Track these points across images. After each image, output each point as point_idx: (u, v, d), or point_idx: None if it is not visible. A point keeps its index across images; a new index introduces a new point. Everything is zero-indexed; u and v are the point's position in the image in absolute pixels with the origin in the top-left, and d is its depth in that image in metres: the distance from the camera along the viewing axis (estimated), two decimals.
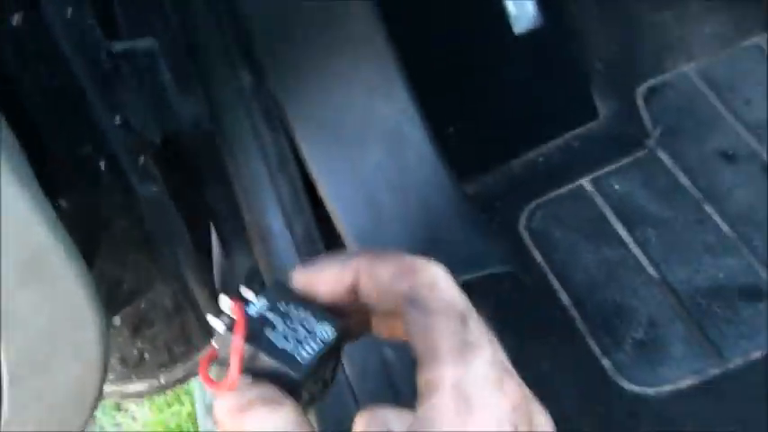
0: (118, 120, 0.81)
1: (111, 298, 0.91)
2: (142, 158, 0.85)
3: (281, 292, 0.37)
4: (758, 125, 1.24)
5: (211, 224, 1.07)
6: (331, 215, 0.86)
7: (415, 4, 1.24)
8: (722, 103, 1.28)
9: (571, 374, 1.04)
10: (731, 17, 1.33)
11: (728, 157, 1.22)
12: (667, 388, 1.00)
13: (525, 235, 1.20)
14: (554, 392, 1.03)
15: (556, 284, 1.14)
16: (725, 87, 1.29)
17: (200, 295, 0.97)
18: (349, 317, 0.38)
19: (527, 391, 0.35)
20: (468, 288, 0.87)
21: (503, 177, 1.28)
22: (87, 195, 0.82)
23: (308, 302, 0.37)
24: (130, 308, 0.93)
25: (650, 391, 1.01)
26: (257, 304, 0.37)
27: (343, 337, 0.37)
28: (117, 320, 0.95)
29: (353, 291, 0.37)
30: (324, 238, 0.90)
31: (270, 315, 0.36)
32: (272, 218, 0.88)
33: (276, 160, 0.89)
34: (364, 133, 0.85)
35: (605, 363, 1.04)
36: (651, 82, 1.33)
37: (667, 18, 1.34)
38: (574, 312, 1.10)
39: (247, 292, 0.38)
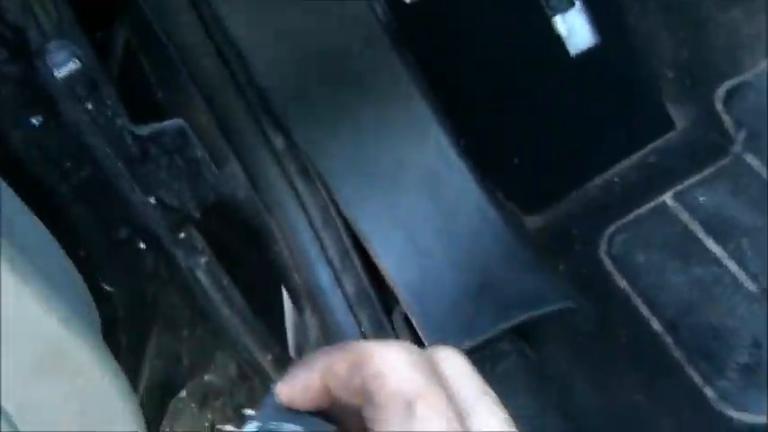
0: (153, 200, 0.81)
1: (171, 374, 0.91)
2: (183, 234, 0.85)
3: (275, 409, 0.37)
4: None
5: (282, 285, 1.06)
6: (379, 267, 0.83)
7: (467, 40, 1.21)
8: None
9: (670, 406, 0.95)
10: None
11: None
12: None
13: (607, 261, 1.13)
14: (653, 427, 0.94)
15: (645, 311, 1.05)
16: None
17: (265, 360, 0.96)
18: (347, 418, 0.36)
19: None
20: (530, 327, 0.81)
21: (578, 203, 1.21)
22: (132, 276, 0.83)
23: (301, 414, 0.36)
24: (195, 381, 0.93)
25: (763, 419, 0.91)
26: (250, 426, 0.36)
27: None
28: (183, 393, 0.95)
29: (328, 392, 0.35)
30: (379, 290, 0.87)
31: None
32: (321, 276, 0.87)
33: (319, 218, 0.87)
34: (402, 180, 0.82)
35: (708, 391, 0.95)
36: (728, 84, 1.24)
37: (737, 15, 1.25)
38: (667, 339, 1.01)
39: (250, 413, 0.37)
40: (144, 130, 0.80)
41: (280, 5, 0.79)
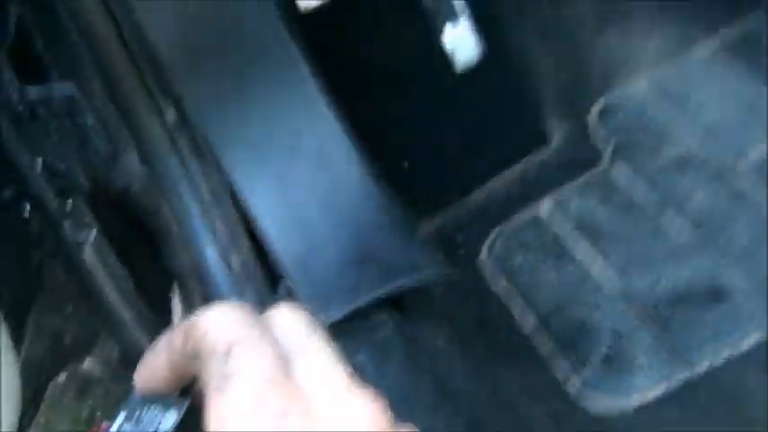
0: (40, 163, 0.81)
1: (52, 353, 0.89)
2: (70, 202, 0.85)
3: (140, 398, 0.38)
4: (711, 130, 1.23)
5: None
6: (265, 241, 0.86)
7: (360, 51, 1.26)
8: (674, 113, 1.28)
9: (540, 395, 1.01)
10: (674, 30, 1.34)
11: (684, 164, 1.21)
12: (637, 398, 0.96)
13: (488, 264, 1.19)
14: (522, 415, 0.99)
15: (521, 309, 1.11)
16: (676, 98, 1.29)
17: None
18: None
19: (294, 404, 0.33)
20: (410, 304, 0.85)
21: (463, 210, 1.27)
22: (16, 242, 0.82)
23: (163, 397, 0.37)
24: (75, 364, 0.91)
25: (620, 403, 0.97)
26: (117, 419, 0.37)
27: (194, 409, 0.37)
28: (62, 378, 0.93)
29: (177, 369, 0.37)
30: (265, 264, 0.89)
31: (126, 428, 0.37)
32: (208, 252, 0.88)
33: (208, 194, 0.89)
34: (290, 154, 0.85)
35: (574, 381, 1.01)
36: (603, 101, 1.33)
37: (612, 38, 1.35)
38: (540, 334, 1.07)
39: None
40: (33, 93, 0.80)
41: None
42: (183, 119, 0.88)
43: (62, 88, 0.82)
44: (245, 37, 0.86)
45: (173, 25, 0.83)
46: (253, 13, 0.86)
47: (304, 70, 0.86)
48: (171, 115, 0.88)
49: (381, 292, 0.80)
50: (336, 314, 0.81)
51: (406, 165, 1.28)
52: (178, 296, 1.04)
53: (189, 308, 1.03)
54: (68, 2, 0.83)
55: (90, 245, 0.89)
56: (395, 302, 0.84)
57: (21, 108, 0.78)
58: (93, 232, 0.89)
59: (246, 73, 0.86)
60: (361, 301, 0.80)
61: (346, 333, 0.81)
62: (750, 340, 0.97)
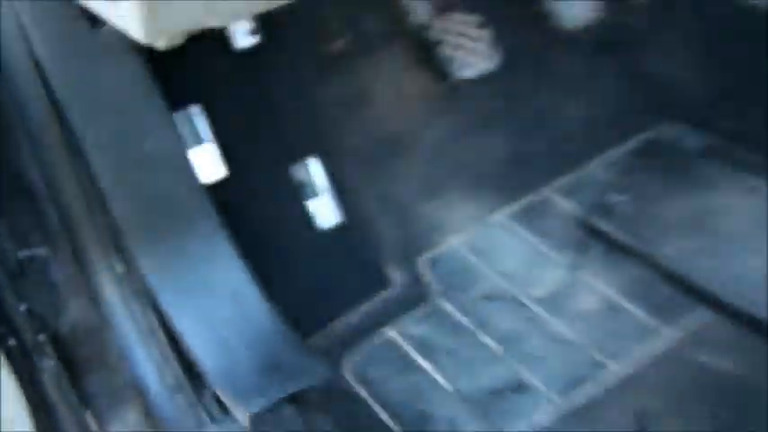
0: (23, 307, 1.09)
1: None
2: (42, 337, 1.12)
3: None
4: (508, 273, 1.67)
5: None
6: (195, 362, 1.15)
7: (250, 209, 1.60)
8: (481, 261, 1.71)
9: None
10: (479, 201, 1.80)
11: (491, 298, 1.63)
12: None
13: (350, 379, 1.52)
14: None
15: (378, 409, 1.45)
16: (482, 250, 1.73)
17: None
18: None
19: None
20: (300, 396, 1.16)
21: (323, 338, 1.60)
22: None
23: None
24: None
25: None
26: None
27: None
28: None
29: None
30: (192, 379, 1.18)
31: None
32: (148, 369, 1.16)
33: (146, 327, 1.18)
34: (211, 292, 1.17)
35: None
36: (429, 253, 1.74)
37: (434, 206, 1.79)
38: (394, 424, 1.40)
39: None
40: (22, 254, 1.09)
41: (142, 165, 1.15)
42: (130, 270, 1.18)
43: (40, 251, 1.11)
44: (179, 209, 1.19)
45: (130, 202, 1.15)
46: (184, 190, 1.21)
47: (222, 233, 1.20)
48: (120, 267, 1.19)
49: (286, 391, 1.12)
50: (253, 410, 1.11)
51: (280, 305, 1.61)
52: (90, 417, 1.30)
53: (99, 425, 1.28)
54: (50, 188, 1.14)
55: (49, 371, 1.15)
56: (296, 400, 1.16)
57: (14, 267, 1.06)
58: (52, 361, 1.16)
59: (179, 234, 1.19)
60: (272, 398, 1.11)
61: (262, 424, 1.11)
62: (543, 417, 1.37)
